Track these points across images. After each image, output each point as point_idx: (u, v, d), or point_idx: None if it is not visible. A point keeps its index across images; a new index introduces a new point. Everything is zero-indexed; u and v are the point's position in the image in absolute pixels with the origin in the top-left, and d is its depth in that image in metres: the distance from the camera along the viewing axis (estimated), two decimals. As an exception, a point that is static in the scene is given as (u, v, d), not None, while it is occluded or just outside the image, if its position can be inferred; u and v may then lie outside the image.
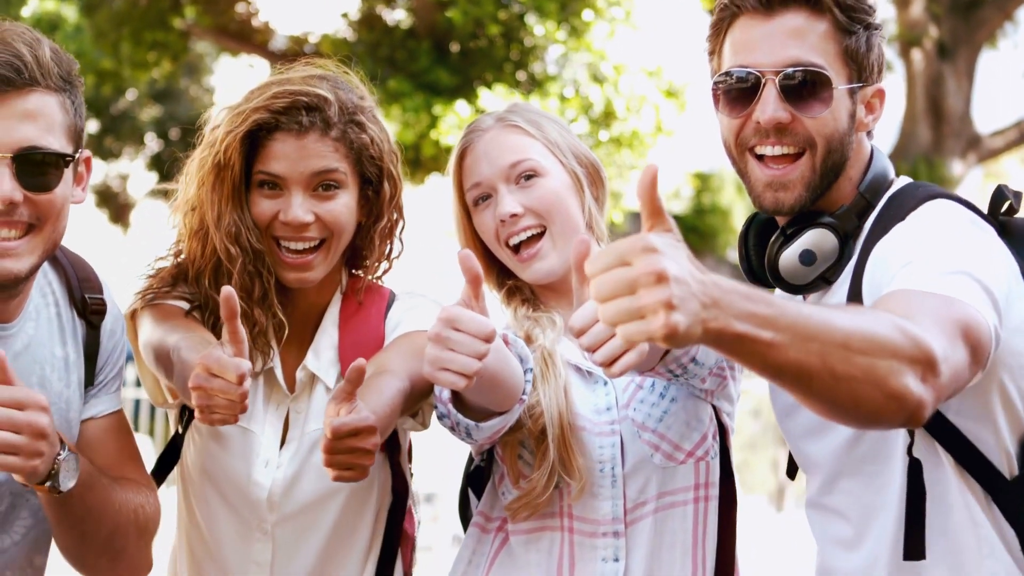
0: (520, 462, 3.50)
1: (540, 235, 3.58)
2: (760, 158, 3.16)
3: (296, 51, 17.64)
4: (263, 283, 3.50)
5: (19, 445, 2.65)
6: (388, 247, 3.72)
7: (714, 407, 3.61)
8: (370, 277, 3.74)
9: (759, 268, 3.31)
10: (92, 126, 27.97)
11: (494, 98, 14.51)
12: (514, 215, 3.55)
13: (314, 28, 18.02)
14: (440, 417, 3.35)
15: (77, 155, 3.13)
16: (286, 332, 3.55)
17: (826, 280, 3.16)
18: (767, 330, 2.11)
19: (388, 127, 3.63)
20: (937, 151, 19.41)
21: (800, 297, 3.28)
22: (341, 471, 2.85)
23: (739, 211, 27.19)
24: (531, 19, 14.90)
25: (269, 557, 3.56)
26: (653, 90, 15.34)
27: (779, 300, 2.19)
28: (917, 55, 19.67)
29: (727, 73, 3.18)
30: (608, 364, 2.67)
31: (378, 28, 16.44)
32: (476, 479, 3.70)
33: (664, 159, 15.89)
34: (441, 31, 15.53)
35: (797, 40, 3.09)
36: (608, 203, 3.82)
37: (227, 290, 2.79)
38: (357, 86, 3.60)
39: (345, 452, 2.81)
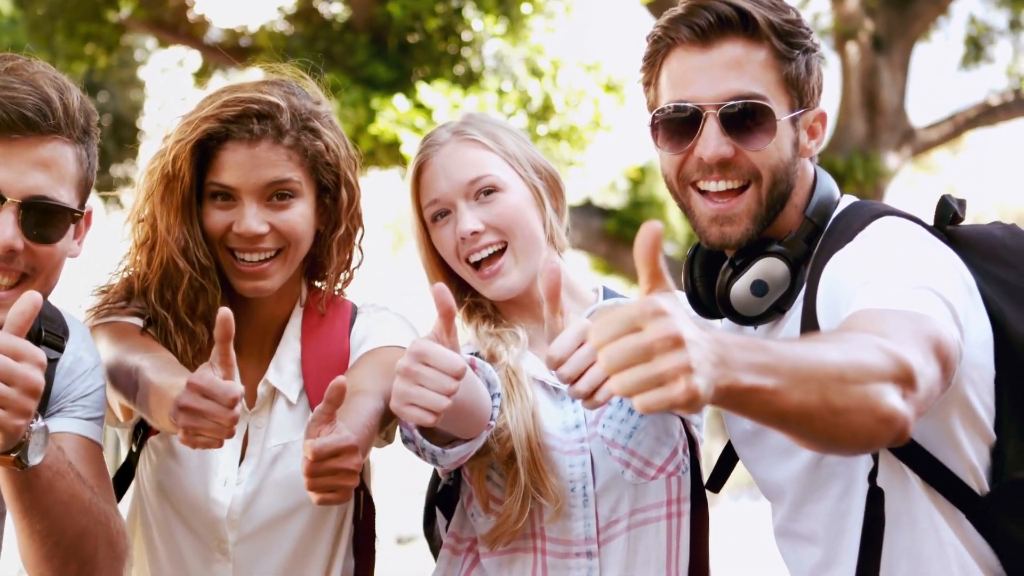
0: (489, 483, 3.44)
1: (501, 251, 3.51)
2: (704, 192, 3.10)
3: (231, 44, 17.52)
4: (207, 299, 3.41)
5: (9, 398, 2.45)
6: (347, 256, 3.64)
7: (683, 420, 3.57)
8: (332, 288, 3.65)
9: (708, 300, 3.25)
10: (23, 117, 27.59)
11: (432, 93, 14.46)
12: (475, 232, 3.47)
13: (250, 21, 17.88)
14: (405, 440, 3.29)
15: (83, 211, 3.06)
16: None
17: (779, 309, 3.11)
18: (769, 377, 2.06)
19: (343, 133, 3.55)
20: (872, 144, 19.48)
21: (751, 328, 3.24)
22: (324, 493, 2.76)
23: (674, 204, 27.40)
24: (469, 13, 14.86)
25: None
26: (592, 84, 15.34)
27: (772, 344, 2.14)
28: (852, 48, 19.74)
29: (665, 108, 3.10)
30: (590, 395, 2.63)
31: (315, 22, 16.37)
32: (445, 499, 3.64)
33: (603, 154, 15.90)
34: (379, 25, 15.46)
35: (736, 71, 3.03)
36: (567, 212, 3.75)
37: (224, 311, 2.71)
38: (313, 91, 3.52)
39: (327, 474, 2.72)
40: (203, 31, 18.36)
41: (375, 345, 3.48)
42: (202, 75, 19.84)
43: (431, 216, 3.57)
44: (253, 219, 3.33)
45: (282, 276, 3.44)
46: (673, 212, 26.81)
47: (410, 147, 14.21)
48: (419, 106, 14.53)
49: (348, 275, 3.68)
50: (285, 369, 3.54)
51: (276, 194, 3.35)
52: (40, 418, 2.67)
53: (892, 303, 2.57)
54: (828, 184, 3.21)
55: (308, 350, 3.56)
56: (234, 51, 18.00)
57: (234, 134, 3.30)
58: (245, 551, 3.46)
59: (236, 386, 2.70)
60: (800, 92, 3.09)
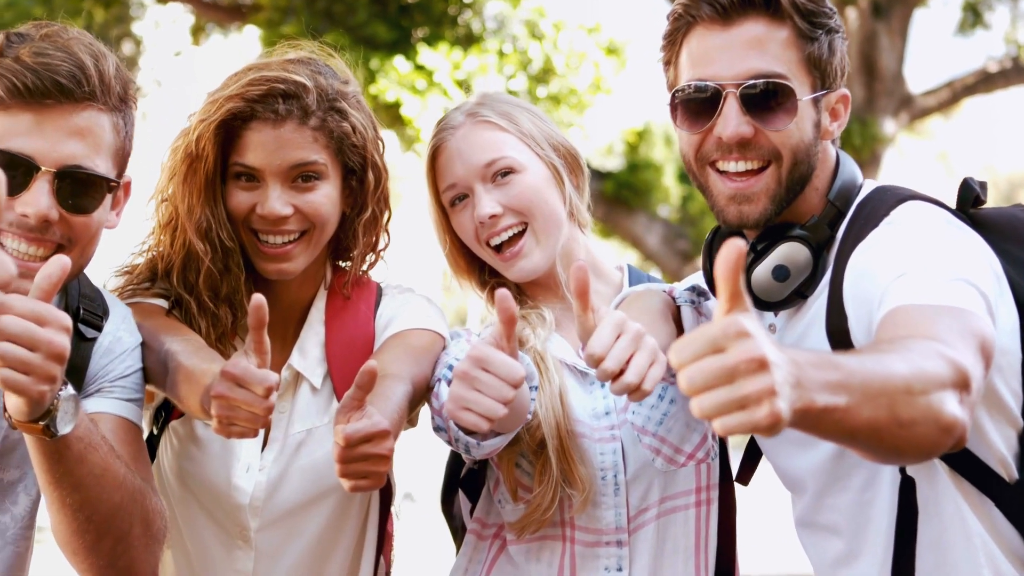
0: (518, 471, 3.40)
1: (522, 233, 3.48)
2: (722, 173, 3.08)
3: (231, 2, 17.41)
4: (231, 281, 3.37)
5: (32, 363, 2.36)
6: (374, 239, 3.58)
7: None
8: (357, 271, 3.59)
9: None
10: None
11: (433, 55, 14.38)
12: (493, 216, 3.44)
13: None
14: (436, 429, 3.26)
15: (120, 180, 3.02)
16: None
17: (801, 295, 3.08)
18: (842, 396, 2.02)
19: (371, 113, 3.49)
20: (869, 110, 19.40)
21: (771, 314, 3.22)
22: (357, 480, 2.68)
23: (670, 168, 27.24)
24: (470, -26, 14.78)
25: (251, 565, 3.43)
26: (592, 47, 15.26)
27: (842, 360, 2.10)
28: (852, 13, 19.64)
29: (685, 87, 3.08)
30: (635, 387, 2.65)
31: (316, -19, 16.23)
32: (470, 483, 3.59)
33: (602, 117, 15.86)
34: (380, -15, 15.35)
35: (757, 50, 3.00)
36: (586, 186, 3.70)
37: (257, 298, 2.62)
38: (341, 71, 3.44)
39: (360, 460, 2.64)
40: (201, -12, 18.24)
41: (401, 328, 3.43)
42: (196, 33, 19.72)
43: (449, 200, 3.54)
44: (277, 201, 3.27)
45: (306, 259, 3.39)
46: (668, 176, 26.76)
47: (410, 108, 14.16)
48: (419, 67, 14.46)
49: (374, 257, 3.63)
50: (309, 353, 3.49)
51: (301, 176, 3.30)
52: (69, 386, 2.62)
53: (933, 298, 2.55)
54: (851, 168, 3.18)
55: (332, 334, 3.51)
56: (233, 10, 17.90)
57: (259, 114, 3.24)
58: (268, 538, 3.43)
59: (271, 374, 2.62)
60: (823, 73, 3.05)
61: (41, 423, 2.56)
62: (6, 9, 17.56)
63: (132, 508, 2.87)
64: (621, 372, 2.69)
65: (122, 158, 3.03)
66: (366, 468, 2.66)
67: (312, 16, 15.12)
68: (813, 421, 1.99)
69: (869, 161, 17.72)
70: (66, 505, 2.77)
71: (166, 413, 3.47)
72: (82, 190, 2.89)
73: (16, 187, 2.81)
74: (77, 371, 3.07)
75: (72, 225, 2.90)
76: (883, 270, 2.75)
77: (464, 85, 14.49)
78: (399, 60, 14.62)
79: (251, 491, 3.38)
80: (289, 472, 3.41)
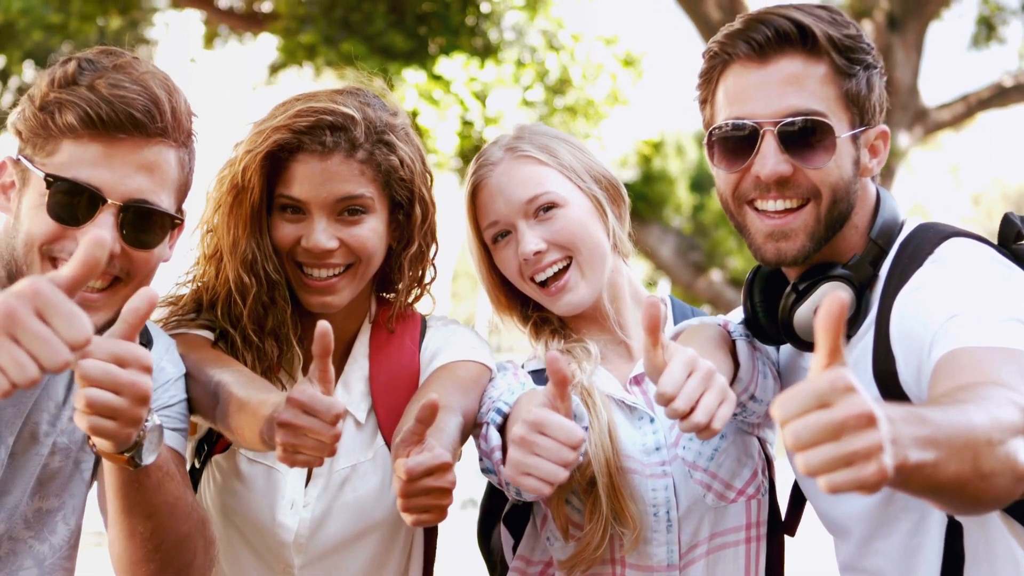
0: (568, 508, 3.34)
1: (567, 267, 3.43)
2: (761, 211, 3.05)
3: (248, 10, 17.41)
4: (277, 314, 3.33)
5: (118, 408, 2.30)
6: (420, 273, 3.53)
7: (759, 439, 3.50)
8: (402, 305, 3.54)
9: (769, 325, 3.21)
10: (31, 74, 27.51)
11: (450, 64, 14.36)
12: (538, 252, 3.39)
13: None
14: (484, 471, 3.22)
15: (182, 216, 3.00)
16: (300, 364, 3.38)
17: (845, 336, 3.02)
18: (931, 451, 1.98)
19: (420, 146, 3.43)
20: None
21: (808, 355, 3.17)
22: (420, 514, 2.64)
23: (683, 180, 27.19)
24: (488, -16, 14.76)
25: None
26: (610, 58, 15.24)
27: (927, 413, 2.05)
28: (867, 26, 19.61)
29: (722, 125, 3.05)
30: (707, 421, 2.62)
31: (333, -11, 16.23)
32: (513, 519, 3.54)
33: (618, 128, 15.83)
34: (398, -6, 15.35)
35: (795, 87, 2.97)
36: (627, 215, 3.64)
37: (323, 325, 2.56)
38: (390, 103, 3.40)
39: (422, 494, 2.60)
40: (219, -5, 18.25)
41: (448, 360, 3.39)
42: (209, 41, 19.74)
43: (491, 237, 3.50)
44: (323, 234, 3.23)
45: (351, 292, 3.35)
46: (682, 188, 26.73)
47: (426, 118, 14.15)
48: (436, 77, 14.44)
49: (419, 291, 3.58)
50: (353, 388, 3.45)
51: (347, 209, 3.25)
52: (154, 415, 2.59)
53: (989, 340, 2.51)
54: (892, 205, 3.14)
55: (377, 368, 3.46)
56: (251, 17, 17.90)
57: (306, 145, 3.20)
58: (312, 575, 3.38)
59: (338, 402, 2.57)
60: (861, 109, 3.02)
61: (127, 454, 2.56)
62: (21, 16, 17.56)
63: (197, 538, 2.88)
64: (691, 410, 2.67)
65: (183, 193, 3.01)
66: (429, 502, 2.62)
67: (329, 25, 15.12)
68: (905, 477, 1.95)
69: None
70: (136, 533, 2.76)
71: (209, 447, 3.43)
72: (146, 225, 2.87)
73: (80, 218, 2.80)
74: None
75: (133, 259, 2.87)
76: (933, 311, 2.71)
77: (481, 96, 14.49)
78: (416, 70, 14.56)
79: (295, 528, 3.34)
80: (334, 509, 3.37)
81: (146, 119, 2.79)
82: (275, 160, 3.24)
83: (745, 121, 3.00)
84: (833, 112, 2.98)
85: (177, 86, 2.92)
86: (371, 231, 3.30)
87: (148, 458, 2.59)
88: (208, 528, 2.93)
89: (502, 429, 3.13)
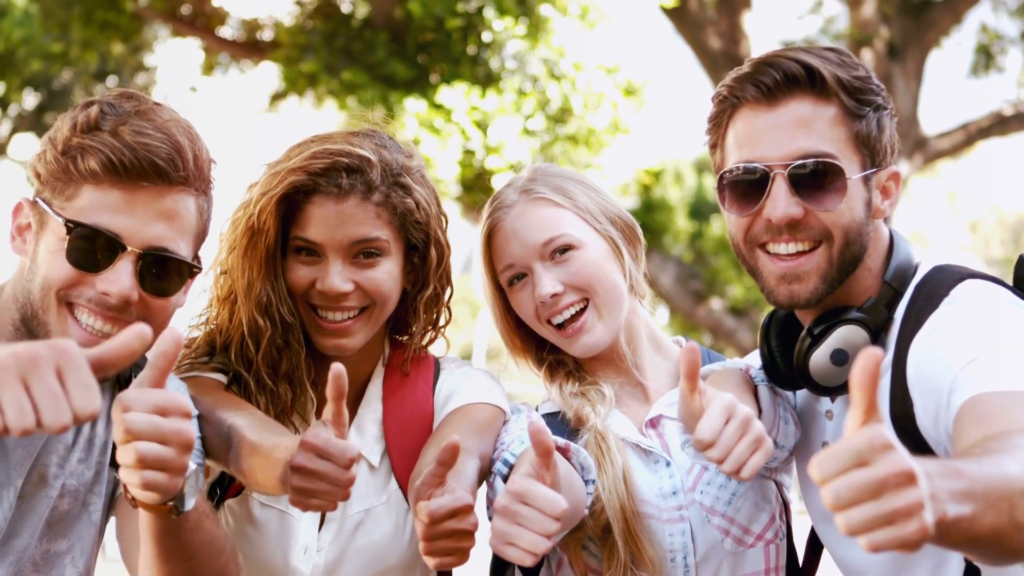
0: (585, 553, 3.31)
1: (583, 309, 3.40)
2: (773, 254, 3.04)
3: (249, 39, 17.44)
4: (291, 358, 3.30)
5: (167, 459, 2.27)
6: (434, 316, 3.50)
7: (776, 483, 3.47)
8: (416, 348, 3.51)
9: (786, 370, 3.19)
10: (31, 101, 27.57)
11: (452, 93, 14.36)
12: (555, 295, 3.37)
13: (270, 13, 17.80)
14: (491, 519, 3.18)
15: (199, 264, 2.98)
16: (313, 408, 3.35)
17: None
18: (967, 504, 1.95)
19: (435, 188, 3.42)
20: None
21: (828, 400, 3.17)
22: (442, 557, 2.61)
23: (682, 209, 27.19)
24: (489, 13, 14.73)
25: None
26: (611, 87, 15.24)
27: (963, 466, 2.03)
28: (867, 55, 19.65)
29: (732, 169, 3.05)
30: (737, 469, 2.62)
31: (335, 18, 16.24)
32: None
33: (618, 156, 15.83)
34: (398, 23, 15.34)
35: (804, 129, 2.96)
36: (642, 255, 3.62)
37: (337, 367, 2.54)
38: (405, 144, 3.39)
39: (445, 537, 2.58)
40: (219, 24, 18.26)
41: (463, 402, 3.35)
42: (209, 69, 19.78)
43: (507, 280, 3.48)
44: (337, 277, 3.21)
45: (365, 335, 3.32)
46: (681, 215, 26.74)
47: (428, 147, 14.15)
48: (437, 106, 14.44)
49: (434, 334, 3.55)
50: (367, 431, 3.42)
51: (363, 252, 3.23)
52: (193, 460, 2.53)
53: (1012, 384, 2.49)
54: (905, 248, 3.13)
55: (390, 411, 3.43)
56: (251, 45, 17.92)
57: (322, 188, 3.18)
58: None
59: (352, 446, 2.55)
60: (872, 151, 3.01)
61: (170, 503, 2.53)
62: (21, 44, 17.61)
63: (232, 568, 2.86)
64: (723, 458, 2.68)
65: (201, 240, 3.00)
66: (451, 544, 2.60)
67: (331, 53, 15.14)
68: (943, 532, 1.93)
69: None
70: (174, 575, 2.73)
71: (221, 491, 3.39)
72: (164, 273, 2.86)
73: (98, 264, 2.79)
74: None
75: (150, 306, 2.86)
76: (951, 355, 2.70)
77: (482, 125, 14.49)
78: (417, 99, 14.56)
79: (309, 573, 3.30)
80: (347, 553, 3.33)
81: (168, 167, 2.79)
82: (290, 202, 3.23)
83: (755, 164, 3.00)
84: (843, 154, 2.97)
85: (198, 134, 2.92)
86: (386, 274, 3.28)
87: (190, 503, 2.56)
88: (238, 556, 2.90)
89: (508, 479, 3.09)
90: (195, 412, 3.13)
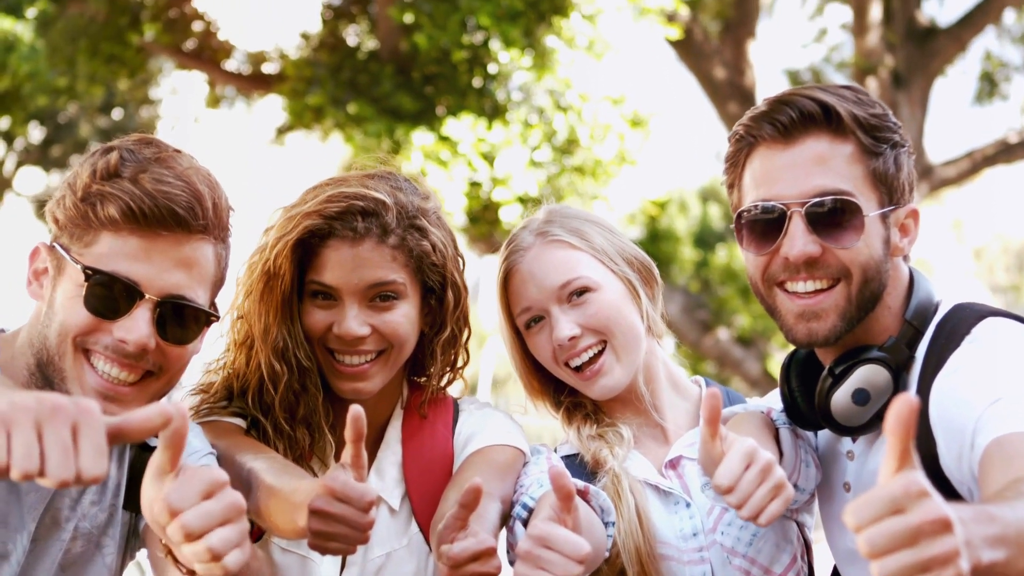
0: None
1: (601, 351, 3.39)
2: (791, 293, 3.03)
3: (255, 72, 17.48)
4: (308, 402, 3.27)
5: (234, 539, 2.19)
6: (452, 358, 3.48)
7: (798, 523, 3.43)
8: (434, 390, 3.50)
9: (807, 410, 3.17)
10: (37, 135, 27.66)
11: (458, 125, 14.36)
12: (573, 338, 3.36)
13: (276, 45, 17.84)
14: (512, 563, 3.10)
15: (216, 313, 2.97)
16: (332, 452, 3.32)
17: (882, 418, 2.94)
18: (1001, 549, 1.95)
19: (451, 230, 3.40)
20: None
21: (849, 440, 3.15)
22: None
23: (688, 240, 27.18)
24: (495, 45, 14.73)
25: None
26: (617, 118, 15.24)
27: (995, 511, 2.02)
28: (872, 83, 19.68)
29: (750, 208, 3.04)
30: (755, 516, 2.61)
31: (340, 51, 16.26)
32: None
33: (625, 187, 15.82)
34: (404, 56, 15.35)
35: (821, 167, 2.95)
36: (660, 296, 3.62)
37: (355, 409, 2.52)
38: (422, 187, 3.36)
39: None
40: (225, 57, 18.31)
41: (483, 444, 3.34)
42: (214, 103, 19.83)
43: (524, 323, 3.47)
44: (354, 321, 3.20)
45: (383, 378, 3.30)
46: (688, 248, 26.73)
47: (434, 180, 14.15)
48: (444, 139, 14.43)
49: (452, 375, 3.53)
50: (386, 474, 3.39)
51: (379, 295, 3.22)
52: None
53: None
54: (926, 286, 3.12)
55: (410, 454, 3.41)
56: (257, 78, 17.96)
57: (337, 231, 3.17)
58: None
59: (371, 489, 2.54)
60: (889, 188, 3.00)
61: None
62: (27, 79, 17.66)
63: None
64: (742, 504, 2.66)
65: (218, 288, 3.00)
66: None
67: (337, 86, 15.14)
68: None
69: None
70: None
71: None
72: (182, 320, 2.85)
73: (116, 311, 2.78)
74: (140, 480, 2.97)
75: (167, 354, 2.85)
76: (974, 395, 2.67)
77: (489, 157, 14.49)
78: (423, 131, 14.56)
79: None
80: None
81: (188, 215, 2.78)
82: (306, 246, 3.21)
83: (772, 203, 2.99)
84: (860, 191, 2.96)
85: (218, 181, 2.91)
86: (403, 317, 3.27)
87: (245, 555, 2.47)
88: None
89: (528, 523, 3.06)
90: (210, 448, 3.11)
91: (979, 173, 21.98)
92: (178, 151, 2.90)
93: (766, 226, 3.02)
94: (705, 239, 30.53)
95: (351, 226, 3.16)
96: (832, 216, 2.94)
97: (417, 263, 3.26)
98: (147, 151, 2.85)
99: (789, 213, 2.96)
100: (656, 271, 3.62)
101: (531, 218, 3.61)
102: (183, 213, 2.77)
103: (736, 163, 3.14)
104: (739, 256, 29.53)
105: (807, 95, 3.01)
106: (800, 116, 2.98)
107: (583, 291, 3.39)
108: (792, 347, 3.25)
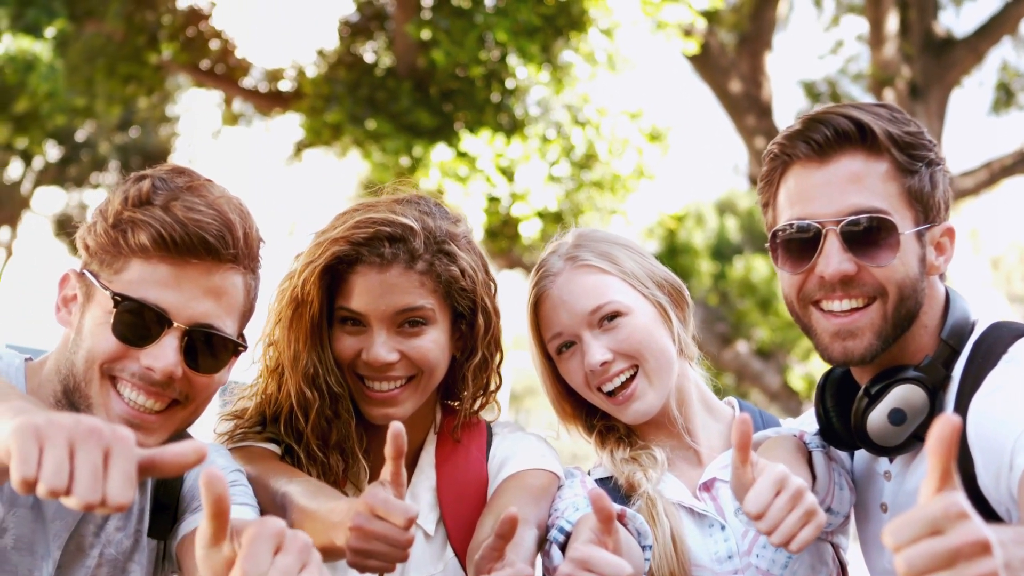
0: None
1: (634, 376, 3.36)
2: (826, 312, 3.01)
3: (272, 89, 17.52)
4: (341, 428, 3.26)
5: None
6: (484, 382, 3.45)
7: (832, 544, 3.39)
8: (467, 415, 3.46)
9: (843, 430, 3.14)
10: (54, 153, 27.76)
11: (476, 141, 14.37)
12: (604, 363, 3.32)
13: (293, 63, 17.88)
14: None
15: (244, 343, 2.95)
16: (366, 477, 3.30)
17: (919, 438, 2.97)
18: None
19: (483, 254, 3.38)
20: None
21: (886, 460, 3.12)
22: None
23: (706, 253, 27.15)
24: (513, 61, 14.76)
25: None
26: (635, 133, 15.24)
27: None
28: (889, 94, 19.68)
29: (784, 226, 3.02)
30: (786, 542, 2.58)
31: (358, 68, 16.30)
32: None
33: (643, 201, 15.83)
34: (422, 72, 15.38)
35: (856, 185, 2.93)
36: (691, 318, 3.56)
37: (396, 426, 2.50)
38: (453, 211, 3.35)
39: None
40: (242, 75, 18.36)
41: (517, 469, 3.31)
42: (231, 121, 19.88)
43: (555, 349, 3.44)
44: (382, 347, 3.17)
45: (413, 404, 3.27)
46: (704, 261, 26.72)
47: (452, 195, 14.16)
48: (462, 155, 14.45)
49: (484, 399, 3.49)
50: (421, 499, 3.37)
51: (408, 321, 3.19)
52: None
53: None
54: (962, 305, 3.09)
55: (444, 478, 3.39)
56: (275, 96, 18.00)
57: (365, 257, 3.15)
58: None
59: (412, 506, 2.50)
60: (925, 206, 2.98)
61: None
62: (45, 99, 17.73)
63: None
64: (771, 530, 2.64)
65: (247, 318, 2.98)
66: None
67: (355, 103, 15.17)
68: None
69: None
70: None
71: None
72: (210, 350, 2.83)
73: (144, 339, 2.76)
74: (165, 507, 3.01)
75: (194, 383, 2.84)
76: (1012, 415, 2.65)
77: (507, 172, 14.50)
78: (442, 150, 14.56)
79: None
80: None
81: (219, 244, 2.77)
82: (334, 272, 3.20)
83: (807, 222, 2.97)
84: (896, 209, 2.94)
85: (249, 212, 2.90)
86: (432, 343, 3.24)
87: None
88: None
89: (564, 546, 3.04)
90: (238, 467, 3.08)
91: (997, 183, 21.96)
92: (210, 181, 2.90)
93: (801, 245, 3.00)
94: (722, 252, 30.51)
95: (378, 252, 3.15)
96: (867, 234, 2.92)
97: (446, 288, 3.24)
98: (179, 180, 2.85)
99: (824, 231, 2.94)
100: (687, 293, 3.57)
101: (560, 242, 3.57)
102: (213, 242, 2.76)
103: (771, 182, 3.12)
104: (757, 269, 29.54)
105: (842, 113, 2.99)
106: (835, 134, 2.96)
107: (614, 316, 3.36)
108: (817, 362, 3.22)
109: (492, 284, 3.39)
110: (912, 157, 2.97)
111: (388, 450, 2.53)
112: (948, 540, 1.78)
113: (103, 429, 2.01)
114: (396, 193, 3.36)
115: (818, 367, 24.68)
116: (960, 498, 1.81)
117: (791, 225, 3.01)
